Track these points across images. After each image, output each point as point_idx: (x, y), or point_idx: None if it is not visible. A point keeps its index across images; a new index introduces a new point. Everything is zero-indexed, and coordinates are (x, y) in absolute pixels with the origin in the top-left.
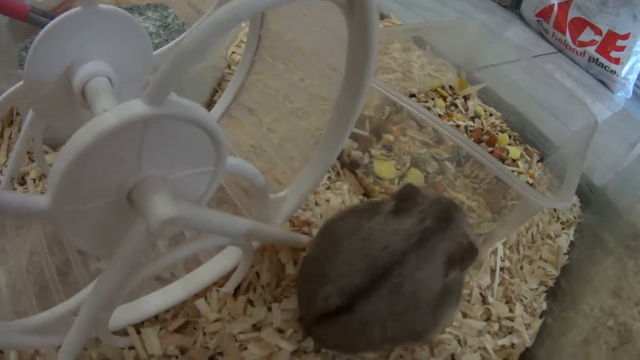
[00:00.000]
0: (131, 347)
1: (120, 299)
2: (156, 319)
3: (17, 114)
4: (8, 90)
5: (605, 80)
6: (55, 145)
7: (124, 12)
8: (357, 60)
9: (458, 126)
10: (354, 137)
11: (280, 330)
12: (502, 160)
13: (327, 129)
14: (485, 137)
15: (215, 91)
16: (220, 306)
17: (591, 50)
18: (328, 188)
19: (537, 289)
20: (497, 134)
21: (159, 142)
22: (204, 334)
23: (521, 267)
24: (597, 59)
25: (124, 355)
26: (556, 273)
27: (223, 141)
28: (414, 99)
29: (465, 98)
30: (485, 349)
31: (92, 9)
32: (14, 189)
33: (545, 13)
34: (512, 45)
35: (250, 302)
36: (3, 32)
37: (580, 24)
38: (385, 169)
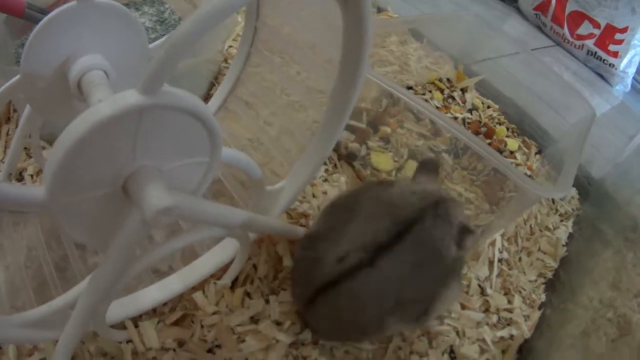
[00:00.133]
0: (129, 341)
1: (117, 291)
2: (154, 312)
3: (15, 110)
4: (4, 85)
5: (603, 74)
6: (52, 141)
7: (119, 6)
8: (351, 51)
9: (455, 118)
10: (351, 129)
11: (278, 323)
12: (500, 152)
13: (323, 120)
14: (483, 130)
15: (212, 85)
16: (217, 299)
17: (589, 43)
18: (325, 180)
19: (535, 280)
20: (494, 126)
21: (153, 133)
22: (202, 326)
23: (519, 259)
24: (596, 52)
25: (121, 349)
26: (555, 265)
27: (218, 131)
28: (411, 91)
29: (463, 90)
30: (484, 340)
31: (87, 2)
32: None
33: (543, 6)
34: (510, 38)
35: (248, 294)
36: (0, 29)
37: (578, 17)
38: (383, 160)
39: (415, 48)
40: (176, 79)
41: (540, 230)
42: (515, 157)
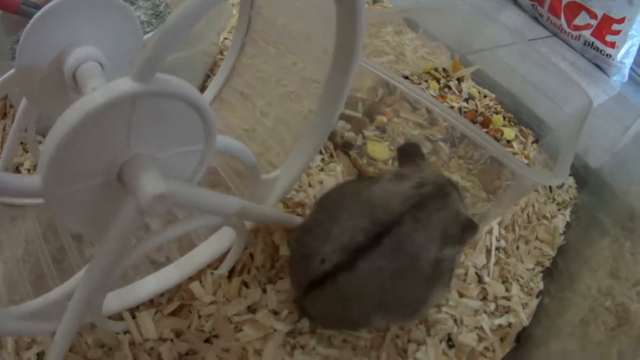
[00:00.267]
0: (126, 332)
1: (113, 281)
2: (151, 303)
3: (11, 106)
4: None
5: (600, 64)
6: None
7: None
8: (345, 38)
9: (452, 108)
10: (347, 118)
11: (275, 312)
12: (497, 141)
13: (318, 108)
14: (480, 119)
15: (207, 77)
16: (214, 289)
17: (586, 34)
18: (321, 170)
19: (533, 269)
20: (491, 115)
21: (147, 120)
22: (199, 316)
23: (517, 247)
24: (593, 43)
25: (119, 340)
26: (552, 253)
27: (212, 118)
28: (407, 81)
29: (459, 80)
30: (481, 328)
31: None
32: None
33: None
34: (506, 29)
35: (245, 284)
36: None
37: (575, 8)
38: (379, 149)
39: (411, 38)
40: (171, 71)
41: (538, 219)
42: (512, 146)
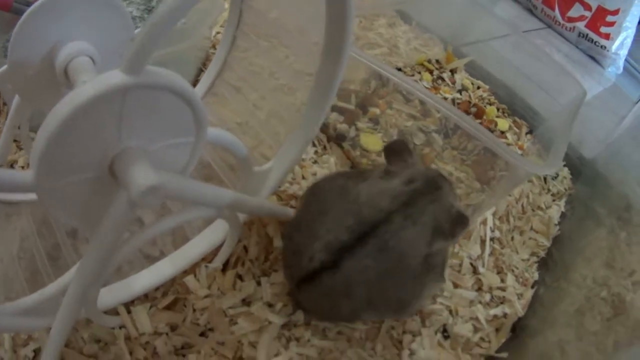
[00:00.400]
0: (122, 326)
1: (107, 275)
2: (146, 297)
3: (4, 103)
4: None
5: (595, 56)
6: None
7: None
8: (335, 29)
9: (445, 99)
10: (340, 110)
11: (270, 305)
12: (491, 132)
13: (309, 99)
14: (473, 110)
15: (200, 71)
16: (209, 282)
17: (580, 25)
18: (315, 162)
19: (528, 259)
20: (485, 106)
21: (138, 113)
22: (194, 310)
23: (512, 238)
24: (587, 35)
25: (115, 335)
26: (547, 243)
27: (202, 110)
28: (400, 72)
29: (452, 71)
30: (477, 319)
31: None
32: None
33: None
34: (500, 20)
35: (239, 276)
36: None
37: (569, 0)
38: (372, 141)
39: (404, 30)
40: (163, 66)
41: (533, 210)
42: (506, 137)
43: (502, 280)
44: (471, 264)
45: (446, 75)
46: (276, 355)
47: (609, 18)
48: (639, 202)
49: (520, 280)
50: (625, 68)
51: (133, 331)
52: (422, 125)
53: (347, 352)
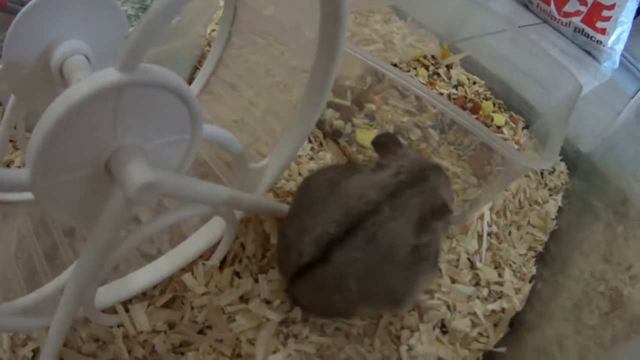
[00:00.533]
0: (120, 325)
1: (105, 273)
2: (144, 296)
3: (0, 104)
4: None
5: (591, 51)
6: None
7: None
8: (329, 24)
9: (441, 94)
10: (336, 107)
11: (268, 302)
12: (487, 127)
13: (304, 95)
14: (469, 105)
15: (195, 69)
16: (206, 279)
17: (576, 20)
18: (311, 158)
19: (526, 254)
20: (481, 101)
21: (133, 110)
22: (192, 308)
23: (509, 233)
24: (583, 30)
25: (113, 333)
26: (545, 238)
27: (197, 106)
28: (395, 68)
29: (448, 67)
30: (475, 314)
31: None
32: None
33: None
34: (496, 16)
35: (237, 274)
36: None
37: None
38: (368, 137)
39: (399, 26)
40: (158, 64)
41: (530, 204)
42: (502, 132)
43: (500, 275)
44: (468, 259)
45: (442, 70)
46: (274, 352)
47: (605, 13)
48: (636, 196)
49: (518, 275)
50: (621, 63)
51: (131, 330)
52: (418, 120)
53: (345, 348)
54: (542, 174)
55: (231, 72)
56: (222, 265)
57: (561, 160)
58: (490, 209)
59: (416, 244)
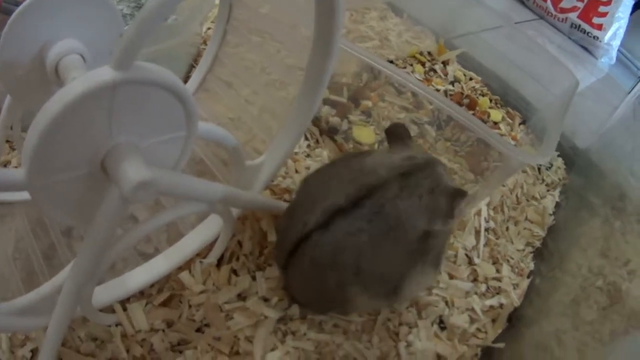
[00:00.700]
0: (118, 324)
1: (101, 272)
2: (142, 294)
3: None
4: None
5: (588, 47)
6: None
7: None
8: (324, 20)
9: (438, 90)
10: (332, 104)
11: (266, 299)
12: (483, 123)
13: (300, 92)
14: (466, 101)
15: (191, 67)
16: (204, 277)
17: (573, 16)
18: (308, 155)
19: (523, 249)
20: (477, 97)
21: (128, 108)
22: (190, 306)
23: (507, 228)
24: (579, 25)
25: (111, 332)
26: (542, 233)
27: (193, 103)
28: (392, 65)
29: (445, 63)
30: (473, 309)
31: None
32: None
33: None
34: (492, 12)
35: (234, 271)
36: None
37: None
38: (365, 134)
39: (395, 23)
40: (154, 63)
41: (527, 200)
42: (499, 128)
43: (498, 271)
44: (466, 255)
45: (438, 67)
46: (272, 349)
47: (602, 9)
48: (633, 191)
49: (516, 270)
50: (618, 58)
51: (129, 328)
52: (415, 117)
53: (343, 345)
54: (539, 169)
55: (227, 70)
56: (219, 263)
57: (558, 155)
58: (488, 205)
59: (427, 230)
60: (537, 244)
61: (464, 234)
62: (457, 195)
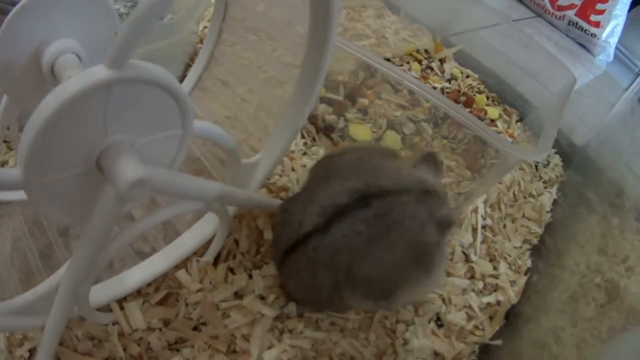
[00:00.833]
0: (115, 323)
1: (98, 271)
2: (139, 293)
3: None
4: None
5: (585, 44)
6: None
7: None
8: (319, 15)
9: (434, 88)
10: (329, 101)
11: (262, 297)
12: (480, 120)
13: (296, 89)
14: (462, 99)
15: (188, 66)
16: (201, 276)
17: (570, 14)
18: (304, 153)
19: (521, 246)
20: (474, 95)
21: (124, 107)
22: (187, 304)
23: (504, 226)
24: (577, 23)
25: (108, 332)
26: (540, 231)
27: (187, 101)
28: (388, 62)
29: (441, 61)
30: (470, 307)
31: None
32: None
33: None
34: (490, 10)
35: (231, 270)
36: None
37: None
38: (361, 132)
39: (392, 21)
40: (150, 62)
41: (524, 197)
42: (496, 125)
43: (495, 268)
44: (463, 252)
45: (435, 64)
46: (269, 347)
47: (599, 6)
48: (631, 188)
49: (513, 267)
50: (615, 56)
51: (126, 327)
52: (412, 114)
53: (340, 343)
54: (536, 166)
55: (223, 68)
56: (216, 261)
57: (556, 152)
58: (485, 202)
59: (426, 241)
60: (535, 241)
61: (460, 231)
62: (444, 225)
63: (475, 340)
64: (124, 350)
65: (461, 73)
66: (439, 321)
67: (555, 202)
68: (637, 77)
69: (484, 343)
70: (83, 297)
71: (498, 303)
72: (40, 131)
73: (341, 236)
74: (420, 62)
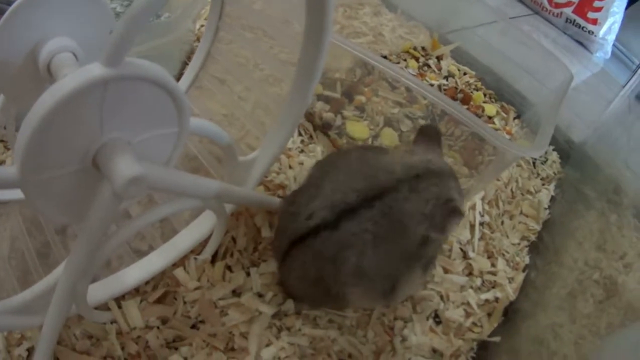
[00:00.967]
0: (113, 321)
1: (96, 268)
2: (136, 292)
3: None
4: None
5: (583, 41)
6: None
7: None
8: (315, 11)
9: (432, 85)
10: (326, 99)
11: (260, 295)
12: (478, 117)
13: (292, 87)
14: (460, 96)
15: (185, 65)
16: (199, 274)
17: (568, 11)
18: (302, 151)
19: (519, 243)
20: (471, 92)
21: (120, 104)
22: (184, 302)
23: (502, 222)
24: (574, 20)
25: (106, 330)
26: (538, 227)
27: (184, 98)
28: (385, 60)
29: (439, 58)
30: (468, 303)
31: None
32: None
33: None
34: (487, 7)
35: (229, 267)
36: None
37: None
38: (358, 129)
39: (389, 19)
40: (147, 60)
41: (522, 194)
42: (493, 122)
43: (493, 265)
44: (461, 249)
45: (432, 62)
46: (267, 345)
47: (596, 4)
48: (628, 184)
49: (511, 264)
50: (613, 53)
51: (124, 326)
52: (409, 112)
53: (338, 340)
54: (534, 163)
55: (220, 66)
56: (213, 259)
57: (553, 149)
58: (482, 199)
59: (425, 236)
60: (533, 237)
61: (458, 228)
62: (452, 213)
63: (474, 337)
64: (122, 348)
65: (458, 70)
66: (437, 318)
67: (553, 199)
68: (634, 74)
69: (482, 340)
70: (81, 296)
71: (496, 300)
72: (37, 129)
73: (350, 234)
74: (417, 59)
